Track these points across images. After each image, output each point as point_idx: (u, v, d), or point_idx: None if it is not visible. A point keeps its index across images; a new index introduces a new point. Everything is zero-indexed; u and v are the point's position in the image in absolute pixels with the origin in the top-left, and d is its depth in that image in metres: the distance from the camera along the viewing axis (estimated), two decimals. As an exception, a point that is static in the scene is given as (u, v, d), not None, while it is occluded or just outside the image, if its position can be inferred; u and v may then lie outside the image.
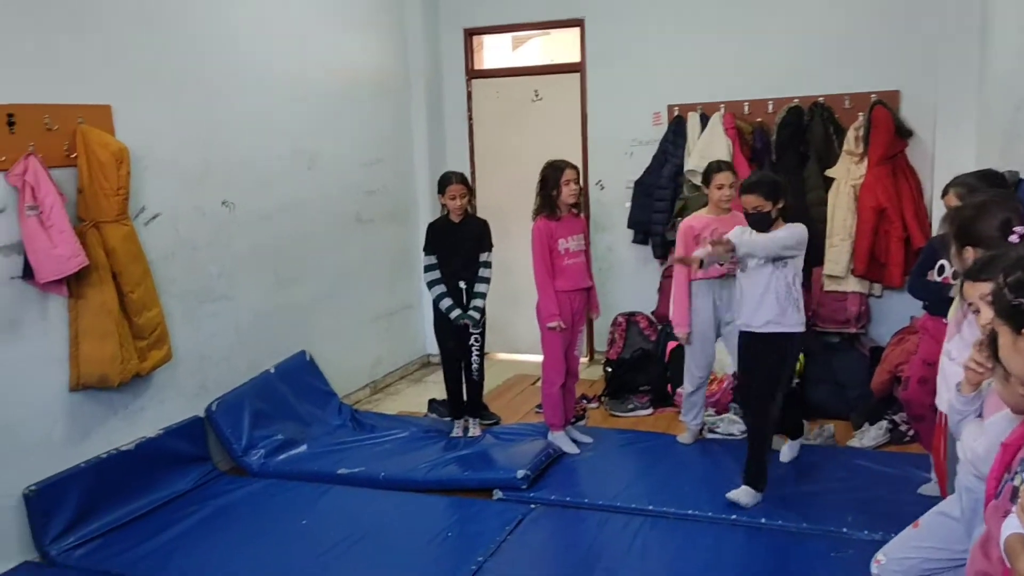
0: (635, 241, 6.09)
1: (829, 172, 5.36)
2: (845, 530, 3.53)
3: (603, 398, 5.45)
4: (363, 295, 5.90)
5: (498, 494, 4.09)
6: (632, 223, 6.02)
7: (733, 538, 3.55)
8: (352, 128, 5.76)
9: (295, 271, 5.22)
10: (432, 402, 5.45)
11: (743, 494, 3.76)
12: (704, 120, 5.63)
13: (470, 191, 4.71)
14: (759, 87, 5.64)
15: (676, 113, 5.82)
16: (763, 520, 3.66)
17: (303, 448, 4.67)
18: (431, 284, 4.74)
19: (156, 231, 4.21)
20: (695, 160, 5.47)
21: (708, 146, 5.46)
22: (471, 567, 3.37)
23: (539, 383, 5.98)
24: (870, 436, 4.51)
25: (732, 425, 4.79)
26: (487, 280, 4.77)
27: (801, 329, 3.78)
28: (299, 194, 5.23)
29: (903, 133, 5.24)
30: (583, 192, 4.38)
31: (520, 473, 4.10)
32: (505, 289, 6.73)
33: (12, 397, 3.55)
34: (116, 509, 3.85)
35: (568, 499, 3.99)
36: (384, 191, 6.13)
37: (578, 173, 4.38)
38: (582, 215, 4.55)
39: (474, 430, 4.87)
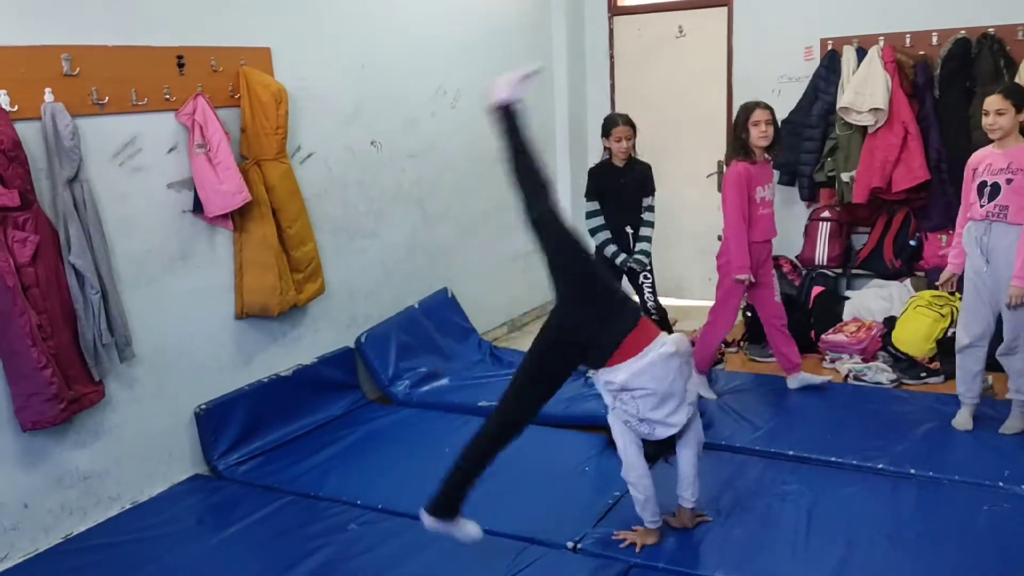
0: (781, 182, 5.87)
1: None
2: (1001, 484, 3.38)
3: (742, 343, 5.36)
4: (502, 235, 5.99)
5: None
6: (778, 163, 5.81)
7: (878, 487, 3.46)
8: (494, 67, 5.74)
9: (438, 210, 5.35)
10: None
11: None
12: (860, 54, 5.34)
13: (635, 132, 4.56)
14: (922, 17, 5.29)
15: (830, 47, 5.54)
16: (912, 470, 3.55)
17: (445, 380, 4.84)
18: (595, 231, 4.62)
19: (310, 169, 4.40)
20: (849, 97, 5.22)
21: (864, 82, 5.19)
22: (608, 500, 3.43)
23: (677, 326, 5.96)
24: (1032, 390, 4.26)
25: (880, 373, 4.63)
26: (652, 224, 4.66)
27: None
28: (442, 134, 5.33)
29: (1084, 65, 4.82)
30: (776, 134, 4.13)
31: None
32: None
33: (186, 323, 3.84)
34: (276, 429, 4.14)
35: (706, 441, 3.97)
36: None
37: (772, 114, 4.11)
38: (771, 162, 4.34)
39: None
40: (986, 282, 3.74)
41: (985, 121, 3.67)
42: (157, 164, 3.68)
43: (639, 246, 4.62)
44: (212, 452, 3.91)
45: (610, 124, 4.55)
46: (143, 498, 3.69)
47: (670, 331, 4.71)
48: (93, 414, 3.47)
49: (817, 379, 4.56)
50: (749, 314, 5.48)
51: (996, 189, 3.63)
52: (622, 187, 4.58)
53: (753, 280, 4.29)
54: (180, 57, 3.70)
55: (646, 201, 4.63)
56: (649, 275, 4.67)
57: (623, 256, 4.59)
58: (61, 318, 3.24)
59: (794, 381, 4.54)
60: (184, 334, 3.85)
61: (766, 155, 4.21)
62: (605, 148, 4.60)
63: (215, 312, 3.99)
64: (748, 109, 4.14)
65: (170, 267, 3.77)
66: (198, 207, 3.80)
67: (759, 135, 4.08)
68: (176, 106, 3.70)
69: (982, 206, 3.67)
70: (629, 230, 4.61)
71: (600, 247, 4.62)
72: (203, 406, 3.90)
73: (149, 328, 3.67)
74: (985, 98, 3.69)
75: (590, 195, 4.64)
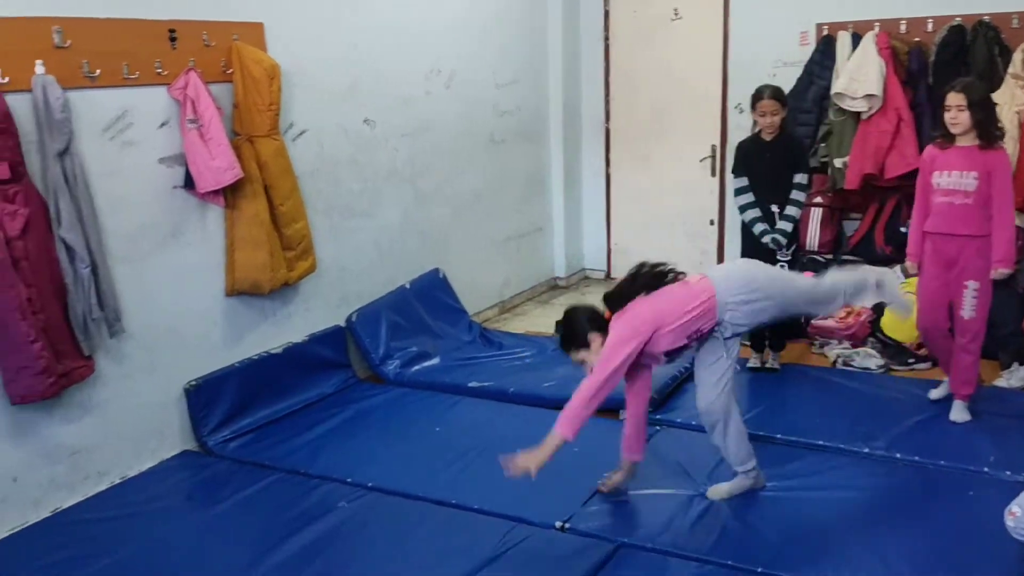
0: (773, 167, 5.89)
1: (992, 96, 4.99)
2: (986, 470, 3.41)
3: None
4: (494, 216, 5.98)
5: (623, 415, 4.13)
6: (771, 148, 5.81)
7: (864, 471, 3.49)
8: (488, 47, 5.77)
9: (431, 190, 5.34)
10: (559, 323, 5.51)
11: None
12: (856, 40, 5.33)
13: (784, 107, 4.35)
14: (918, 4, 5.28)
15: (825, 32, 5.53)
16: (898, 455, 3.58)
17: (436, 360, 4.85)
18: (744, 208, 4.45)
19: (303, 147, 4.38)
20: (844, 83, 5.22)
21: (859, 67, 5.18)
22: (598, 482, 3.45)
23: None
24: (1018, 376, 4.32)
25: (868, 359, 4.66)
26: (797, 203, 4.40)
27: None
28: (436, 114, 5.31)
29: (1078, 54, 4.82)
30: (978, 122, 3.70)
31: (647, 395, 4.13)
32: (638, 214, 6.70)
33: (176, 299, 3.83)
34: (266, 407, 4.14)
35: (693, 422, 3.99)
36: (518, 111, 6.13)
37: (966, 98, 3.68)
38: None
39: (773, 362, 4.66)
40: None
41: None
42: (148, 139, 3.66)
43: (780, 224, 4.40)
44: (202, 428, 3.91)
45: (756, 97, 4.35)
46: (132, 473, 3.69)
47: (784, 340, 4.68)
48: (82, 389, 3.46)
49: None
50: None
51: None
52: (768, 162, 4.37)
53: (915, 271, 4.04)
54: (172, 31, 3.67)
55: (796, 178, 4.37)
56: (787, 255, 4.44)
57: (769, 236, 4.42)
58: (51, 292, 3.23)
59: (938, 392, 4.15)
60: (175, 310, 3.83)
61: (976, 141, 3.73)
62: (753, 121, 4.45)
63: (206, 289, 3.98)
64: (944, 92, 3.85)
65: (161, 243, 3.75)
66: (189, 183, 3.77)
67: (949, 119, 3.75)
68: (168, 80, 3.67)
69: None
70: (774, 208, 4.40)
71: (749, 224, 4.46)
72: (193, 382, 3.89)
73: (139, 304, 3.66)
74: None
75: (736, 170, 4.49)
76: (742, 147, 4.52)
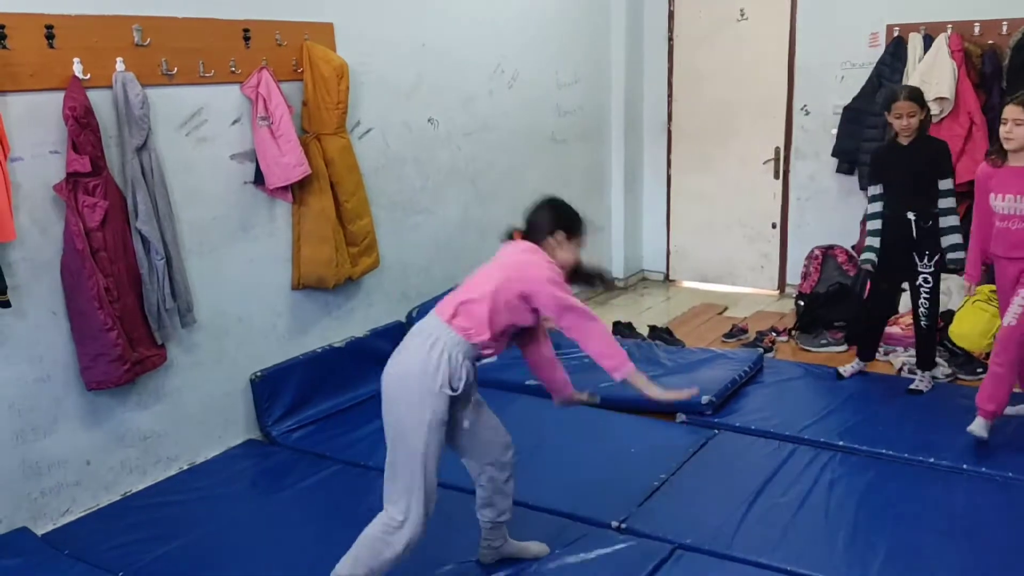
0: (839, 171, 5.81)
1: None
2: (1054, 483, 3.32)
3: (793, 332, 5.32)
4: (555, 215, 5.98)
5: (681, 417, 4.12)
6: (837, 151, 5.73)
7: (929, 481, 3.42)
8: (552, 47, 5.79)
9: (491, 188, 5.38)
10: (617, 324, 5.52)
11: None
12: (928, 41, 5.23)
13: (923, 108, 4.05)
14: (993, 5, 5.16)
15: (896, 33, 5.43)
16: (964, 466, 3.50)
17: (493, 357, 4.87)
18: (869, 216, 4.29)
19: (368, 144, 4.45)
20: (915, 85, 5.10)
21: (931, 70, 5.08)
22: (654, 482, 3.45)
23: (726, 313, 5.93)
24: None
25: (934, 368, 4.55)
26: (950, 211, 4.07)
27: None
28: (498, 113, 5.35)
29: None
30: None
31: (705, 399, 4.11)
32: (698, 216, 6.66)
33: (245, 291, 3.93)
34: (329, 399, 4.22)
35: (753, 427, 3.97)
36: (579, 111, 6.14)
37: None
38: None
39: (920, 383, 4.31)
40: None
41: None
42: (221, 135, 3.76)
43: (947, 239, 4.08)
44: (266, 418, 4.00)
45: (891, 99, 4.10)
46: (199, 460, 3.80)
47: (929, 361, 4.36)
48: (155, 376, 3.58)
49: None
50: (802, 303, 5.43)
51: None
52: (905, 168, 4.09)
53: (973, 292, 3.99)
54: (246, 30, 3.77)
55: (941, 184, 4.06)
56: (931, 279, 4.16)
57: (867, 255, 4.27)
58: (127, 282, 3.34)
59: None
60: (243, 302, 3.94)
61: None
62: (888, 125, 4.23)
63: (273, 282, 4.08)
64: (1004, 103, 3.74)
65: (231, 236, 3.85)
66: (259, 178, 3.87)
67: (1004, 133, 3.63)
68: (241, 78, 3.77)
69: None
70: (911, 216, 4.11)
71: (868, 234, 4.31)
72: (259, 373, 3.99)
73: (210, 295, 3.76)
74: None
75: (870, 177, 4.31)
76: (876, 154, 4.32)
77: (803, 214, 6.12)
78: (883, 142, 4.36)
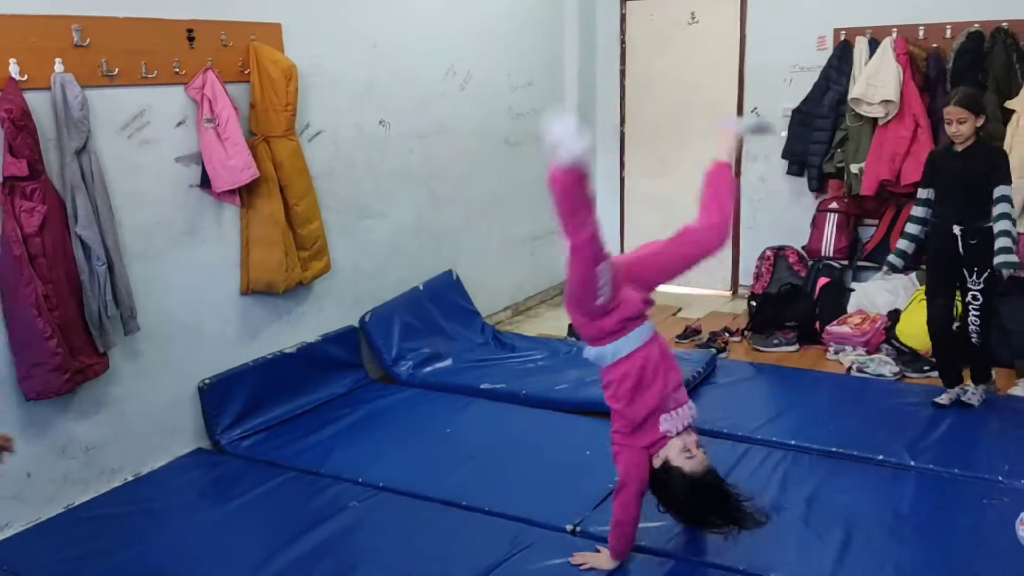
0: (789, 172, 5.88)
1: (1009, 104, 4.96)
2: (1001, 479, 3.38)
3: (746, 332, 5.36)
4: (509, 219, 5.98)
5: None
6: (787, 153, 5.80)
7: (878, 478, 3.47)
8: (505, 50, 5.77)
9: (445, 191, 5.35)
10: (572, 327, 5.52)
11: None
12: (873, 45, 5.31)
13: (978, 114, 3.80)
14: (936, 10, 5.26)
15: (843, 37, 5.51)
16: (912, 463, 3.56)
17: (448, 362, 4.85)
18: (910, 219, 4.15)
19: (318, 147, 4.39)
20: (860, 88, 5.20)
21: (876, 73, 5.17)
22: (609, 485, 3.42)
23: (679, 314, 5.97)
24: (1035, 385, 4.27)
25: (883, 366, 4.63)
26: (1005, 217, 3.78)
27: None
28: (451, 115, 5.32)
29: (1098, 62, 4.78)
30: None
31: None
32: (653, 218, 6.69)
33: (192, 297, 3.85)
34: (279, 406, 4.15)
35: (707, 427, 3.97)
36: (533, 114, 6.12)
37: None
38: None
39: (972, 396, 4.09)
40: None
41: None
42: (166, 138, 3.68)
43: (999, 243, 3.80)
44: (215, 427, 3.92)
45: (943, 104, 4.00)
46: (145, 470, 3.70)
47: (984, 376, 4.15)
48: (97, 385, 3.48)
49: None
50: (754, 304, 5.48)
51: None
52: (957, 175, 3.90)
53: None
54: (191, 30, 3.69)
55: (997, 191, 3.81)
56: (984, 294, 3.94)
57: (892, 257, 4.19)
58: (67, 289, 3.25)
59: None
60: (190, 308, 3.85)
61: None
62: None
63: (221, 287, 4.00)
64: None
65: (177, 241, 3.77)
66: (206, 182, 3.79)
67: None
68: (186, 80, 3.69)
69: None
70: (957, 230, 3.89)
71: (903, 236, 4.19)
72: (207, 380, 3.91)
73: (155, 301, 3.68)
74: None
75: (921, 181, 4.13)
76: (930, 156, 4.18)
77: (755, 216, 6.19)
78: (940, 146, 4.19)
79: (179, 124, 3.72)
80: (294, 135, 4.08)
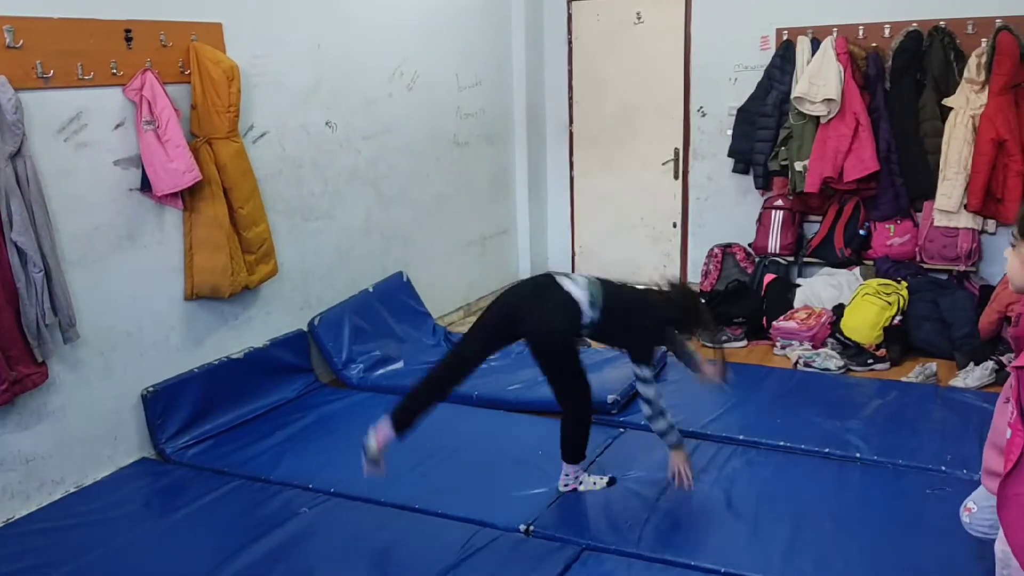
0: (735, 170, 5.95)
1: (947, 101, 5.10)
2: (944, 468, 3.46)
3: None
4: (459, 218, 5.96)
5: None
6: (733, 151, 5.88)
7: (825, 471, 3.53)
8: (452, 50, 5.75)
9: (394, 192, 5.31)
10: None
11: None
12: (815, 45, 5.40)
13: None
14: (875, 10, 5.37)
15: (785, 37, 5.60)
16: (858, 454, 3.62)
17: (399, 364, 4.82)
18: None
19: (263, 149, 4.32)
20: (803, 87, 5.28)
21: (818, 72, 5.25)
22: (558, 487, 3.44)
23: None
24: (974, 376, 4.38)
25: (828, 360, 4.71)
26: None
27: None
28: (399, 116, 5.28)
29: (1030, 61, 4.92)
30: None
31: (610, 398, 4.15)
32: (602, 217, 6.73)
33: (133, 304, 3.76)
34: (226, 413, 4.08)
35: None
36: (481, 114, 6.12)
37: None
38: None
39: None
40: None
41: None
42: (103, 140, 3.59)
43: None
44: (160, 435, 3.84)
45: None
46: (88, 481, 3.61)
47: None
48: (36, 396, 3.38)
49: None
50: (703, 301, 5.53)
51: None
52: None
53: None
54: (128, 31, 3.60)
55: None
56: None
57: None
58: (2, 297, 3.15)
59: None
60: (131, 315, 3.76)
61: None
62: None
63: (164, 293, 3.91)
64: None
65: (117, 246, 3.68)
66: (146, 185, 3.71)
67: None
68: (123, 81, 3.60)
69: None
70: None
71: None
72: (151, 388, 3.82)
73: (95, 309, 3.58)
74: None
75: None
76: None
77: (702, 213, 6.25)
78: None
79: (118, 126, 3.63)
80: (237, 137, 4.01)
